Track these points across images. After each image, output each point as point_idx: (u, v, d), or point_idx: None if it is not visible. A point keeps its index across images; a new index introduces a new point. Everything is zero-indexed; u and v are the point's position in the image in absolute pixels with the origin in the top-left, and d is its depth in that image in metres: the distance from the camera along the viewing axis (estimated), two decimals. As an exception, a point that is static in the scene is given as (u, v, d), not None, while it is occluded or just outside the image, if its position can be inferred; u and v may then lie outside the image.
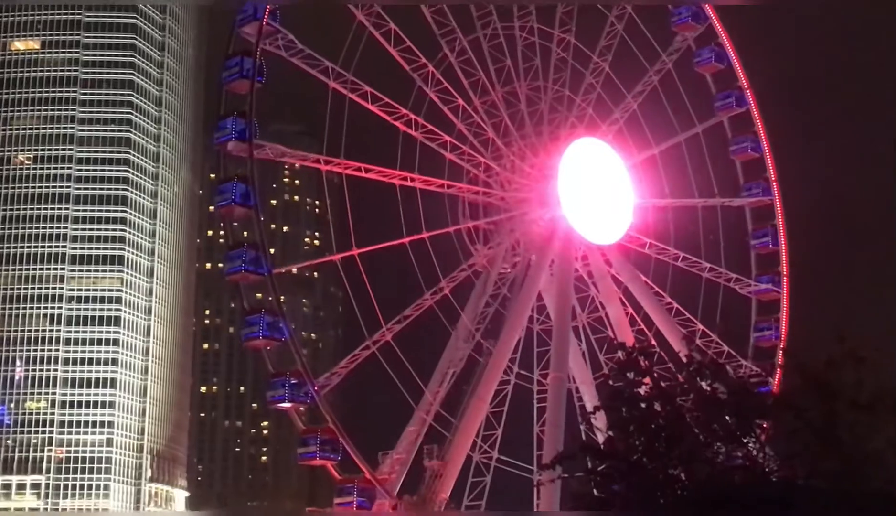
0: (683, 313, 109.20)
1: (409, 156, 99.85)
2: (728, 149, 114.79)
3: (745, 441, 39.65)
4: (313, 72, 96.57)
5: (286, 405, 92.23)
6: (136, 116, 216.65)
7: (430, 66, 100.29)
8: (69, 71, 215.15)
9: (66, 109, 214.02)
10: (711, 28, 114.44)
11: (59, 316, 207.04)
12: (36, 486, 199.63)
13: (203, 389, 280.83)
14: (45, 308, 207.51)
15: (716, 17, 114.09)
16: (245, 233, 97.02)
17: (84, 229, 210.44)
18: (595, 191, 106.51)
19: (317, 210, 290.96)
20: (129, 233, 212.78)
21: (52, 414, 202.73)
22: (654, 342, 77.90)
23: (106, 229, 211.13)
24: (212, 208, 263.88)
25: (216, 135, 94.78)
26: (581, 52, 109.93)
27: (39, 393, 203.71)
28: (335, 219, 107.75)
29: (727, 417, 39.83)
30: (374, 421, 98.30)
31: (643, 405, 40.81)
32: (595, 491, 39.23)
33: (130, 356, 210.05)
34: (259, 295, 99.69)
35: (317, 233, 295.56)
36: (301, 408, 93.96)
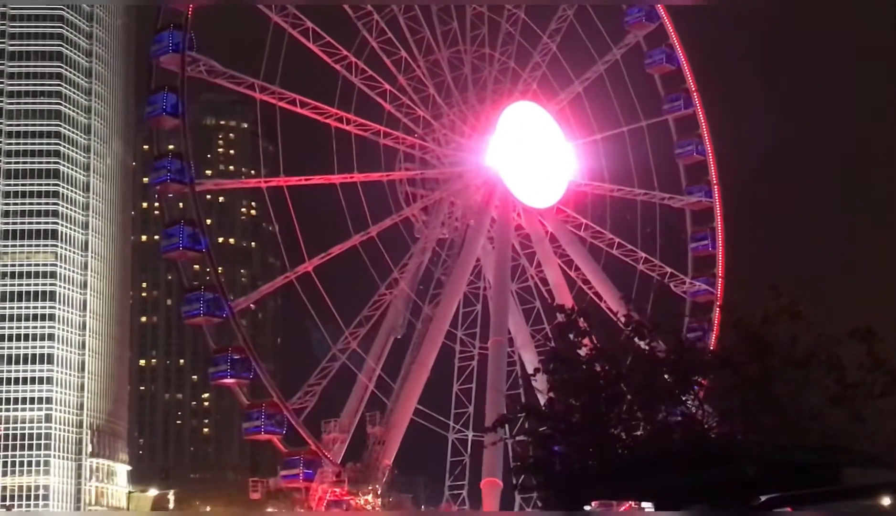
0: (625, 245, 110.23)
1: (347, 99, 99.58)
2: (673, 151, 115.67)
3: (683, 398, 40.00)
4: (240, 89, 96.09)
5: (229, 381, 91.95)
6: (65, 88, 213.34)
7: (351, 56, 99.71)
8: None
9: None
10: (663, 28, 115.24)
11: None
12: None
13: (142, 362, 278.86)
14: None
15: (668, 17, 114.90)
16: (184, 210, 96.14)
17: (15, 204, 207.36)
18: (532, 155, 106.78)
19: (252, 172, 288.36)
20: (62, 206, 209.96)
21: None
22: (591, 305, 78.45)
23: (38, 203, 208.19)
24: (146, 180, 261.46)
25: (153, 175, 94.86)
26: (530, 30, 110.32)
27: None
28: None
29: (666, 375, 40.16)
30: (329, 398, 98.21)
31: (583, 366, 41.02)
32: (536, 452, 39.45)
33: (67, 331, 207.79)
34: (197, 266, 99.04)
35: (253, 203, 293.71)
36: (244, 384, 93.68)
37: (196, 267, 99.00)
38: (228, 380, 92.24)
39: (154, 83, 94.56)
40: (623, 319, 42.49)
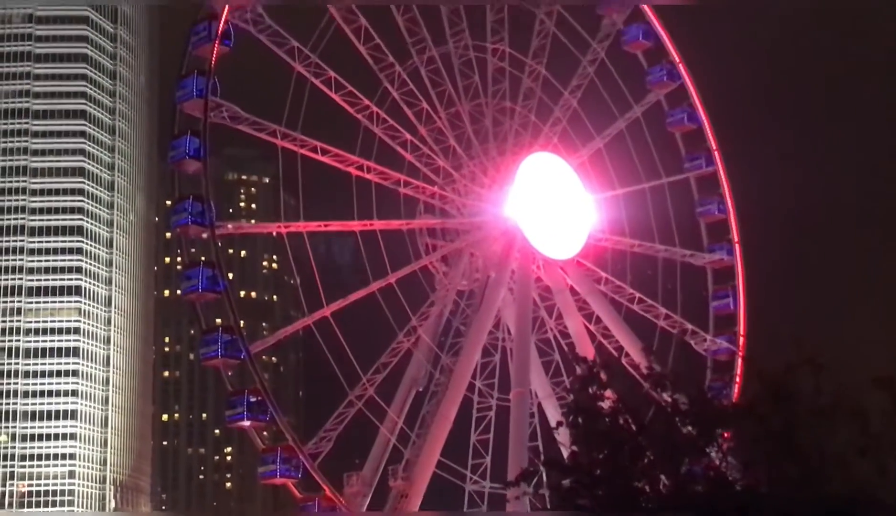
0: (645, 300, 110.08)
1: (367, 148, 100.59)
2: (694, 209, 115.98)
3: (707, 451, 39.87)
4: (262, 135, 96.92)
5: (246, 423, 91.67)
6: (89, 146, 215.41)
7: (372, 106, 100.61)
8: (21, 102, 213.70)
9: (19, 141, 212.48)
10: (684, 88, 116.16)
11: (18, 348, 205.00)
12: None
13: (165, 417, 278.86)
14: (3, 341, 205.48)
15: (689, 77, 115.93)
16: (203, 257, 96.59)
17: (40, 261, 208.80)
18: (552, 206, 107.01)
19: (274, 235, 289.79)
20: (86, 263, 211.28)
21: (13, 447, 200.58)
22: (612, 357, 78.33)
23: (62, 260, 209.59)
24: (168, 235, 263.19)
25: (174, 218, 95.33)
26: (551, 86, 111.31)
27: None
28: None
29: (688, 428, 40.04)
30: (337, 440, 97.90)
31: (606, 419, 40.96)
32: (560, 506, 39.34)
33: (90, 387, 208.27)
34: (218, 320, 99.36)
35: (275, 257, 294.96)
36: (261, 427, 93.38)
37: (218, 320, 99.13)
38: (245, 423, 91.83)
39: (177, 128, 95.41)
40: (645, 371, 42.46)
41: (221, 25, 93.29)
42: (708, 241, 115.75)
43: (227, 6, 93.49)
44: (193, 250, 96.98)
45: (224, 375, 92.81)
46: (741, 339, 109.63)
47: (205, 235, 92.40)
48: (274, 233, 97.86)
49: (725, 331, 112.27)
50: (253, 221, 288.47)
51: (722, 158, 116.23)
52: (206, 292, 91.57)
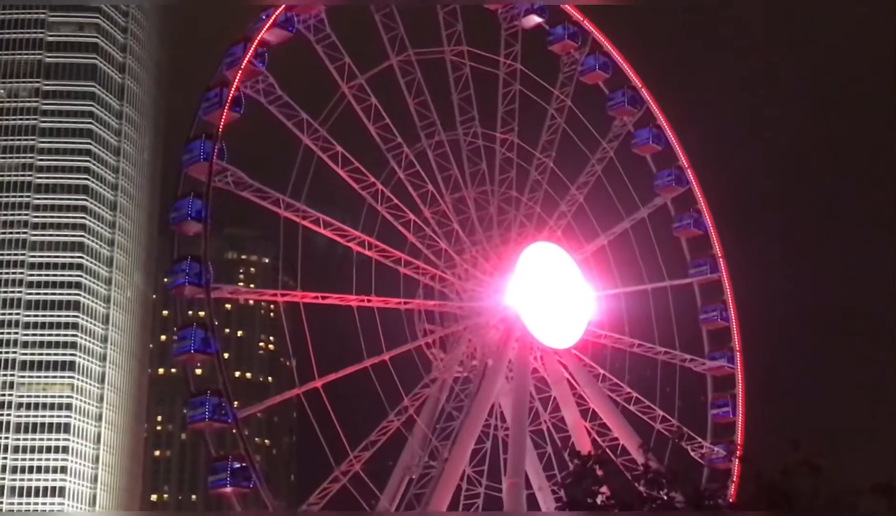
0: (643, 401, 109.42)
1: (370, 225, 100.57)
2: (697, 315, 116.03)
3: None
4: (265, 204, 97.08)
5: (228, 490, 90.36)
6: (89, 221, 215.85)
7: (378, 184, 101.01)
8: (23, 175, 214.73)
9: (20, 214, 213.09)
10: (691, 193, 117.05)
11: (8, 423, 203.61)
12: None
13: (154, 497, 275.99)
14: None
15: (696, 182, 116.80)
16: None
17: (35, 334, 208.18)
18: (549, 295, 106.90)
19: (271, 314, 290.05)
20: (80, 338, 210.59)
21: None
22: (608, 452, 77.59)
23: (57, 334, 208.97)
24: (165, 313, 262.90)
25: (169, 279, 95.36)
26: (558, 180, 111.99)
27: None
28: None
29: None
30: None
31: (600, 514, 40.43)
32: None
33: (80, 464, 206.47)
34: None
35: (271, 338, 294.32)
36: (243, 494, 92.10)
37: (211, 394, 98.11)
38: (227, 490, 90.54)
39: (181, 191, 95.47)
40: (642, 467, 41.99)
41: (232, 92, 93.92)
42: (709, 348, 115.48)
43: (239, 74, 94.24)
44: (189, 306, 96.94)
45: (209, 439, 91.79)
46: (738, 449, 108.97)
47: (200, 296, 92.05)
48: (271, 299, 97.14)
49: (723, 439, 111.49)
50: (251, 302, 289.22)
51: (726, 265, 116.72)
52: (197, 353, 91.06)
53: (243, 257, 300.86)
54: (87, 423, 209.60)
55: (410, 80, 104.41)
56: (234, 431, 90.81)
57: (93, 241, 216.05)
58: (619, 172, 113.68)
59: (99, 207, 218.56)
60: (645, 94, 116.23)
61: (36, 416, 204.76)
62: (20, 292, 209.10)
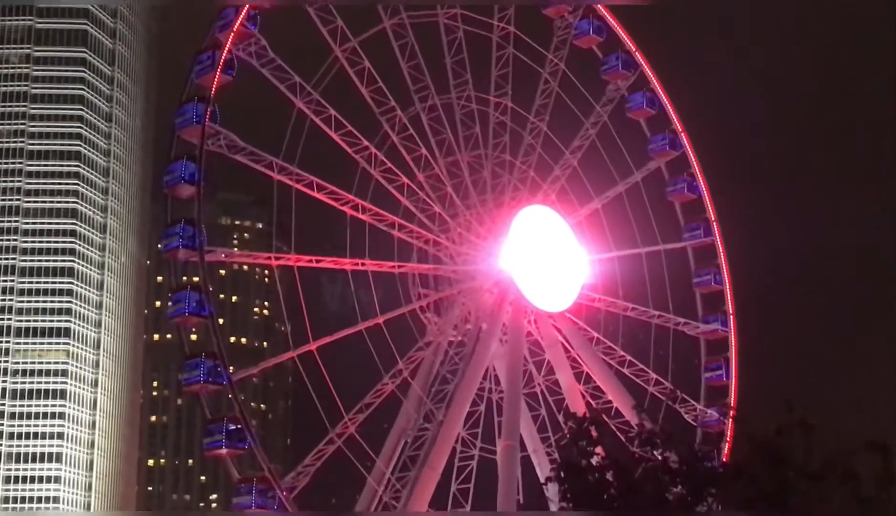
0: (636, 364, 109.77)
1: (364, 188, 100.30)
2: (691, 279, 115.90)
3: (697, 509, 39.51)
4: (258, 167, 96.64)
5: (223, 451, 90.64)
6: (82, 187, 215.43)
7: (371, 147, 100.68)
8: (15, 142, 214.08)
9: (12, 180, 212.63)
10: (685, 157, 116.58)
11: (4, 390, 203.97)
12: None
13: (150, 462, 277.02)
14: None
15: (691, 147, 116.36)
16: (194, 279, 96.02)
17: (30, 301, 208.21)
18: (543, 259, 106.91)
19: (266, 279, 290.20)
20: (76, 304, 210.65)
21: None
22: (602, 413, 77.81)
23: (52, 301, 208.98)
24: (160, 279, 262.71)
25: (163, 243, 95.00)
26: (552, 144, 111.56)
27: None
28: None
29: (679, 486, 39.69)
30: (316, 476, 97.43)
31: (595, 475, 40.60)
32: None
33: (76, 430, 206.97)
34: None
35: (266, 304, 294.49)
36: (238, 455, 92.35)
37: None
38: (222, 451, 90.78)
39: (174, 154, 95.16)
40: (636, 428, 42.14)
41: (224, 55, 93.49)
42: (703, 312, 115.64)
43: (231, 37, 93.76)
44: (185, 278, 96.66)
45: (204, 402, 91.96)
46: (732, 412, 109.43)
47: (194, 259, 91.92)
48: (265, 262, 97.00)
49: (716, 402, 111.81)
50: (245, 268, 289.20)
51: (720, 229, 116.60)
52: (192, 315, 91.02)
53: (237, 222, 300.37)
54: (84, 389, 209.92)
55: (404, 44, 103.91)
56: (229, 395, 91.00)
57: (86, 208, 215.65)
58: (613, 136, 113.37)
59: (91, 173, 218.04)
60: (639, 57, 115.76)
61: (31, 383, 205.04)
62: (14, 259, 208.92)
